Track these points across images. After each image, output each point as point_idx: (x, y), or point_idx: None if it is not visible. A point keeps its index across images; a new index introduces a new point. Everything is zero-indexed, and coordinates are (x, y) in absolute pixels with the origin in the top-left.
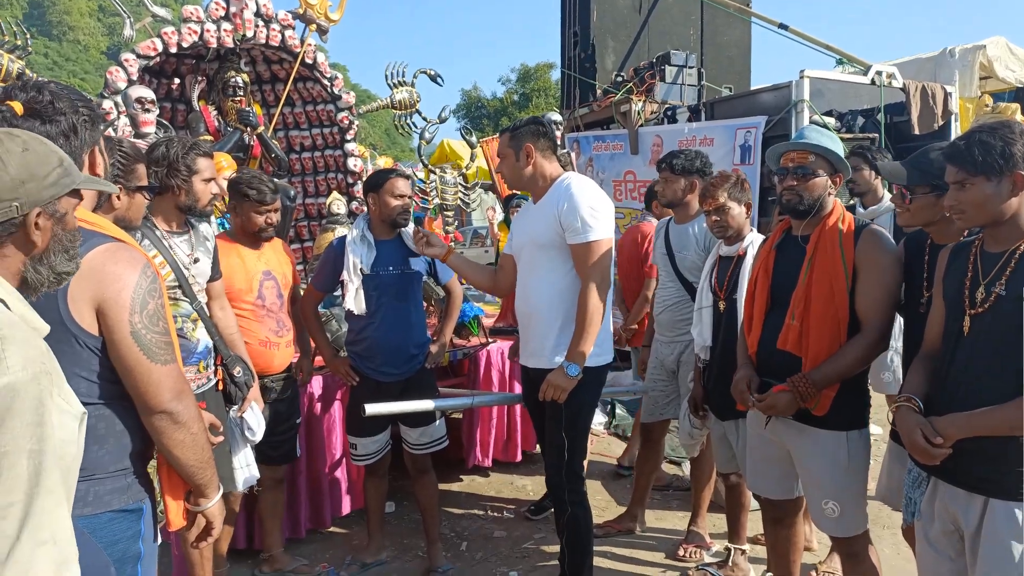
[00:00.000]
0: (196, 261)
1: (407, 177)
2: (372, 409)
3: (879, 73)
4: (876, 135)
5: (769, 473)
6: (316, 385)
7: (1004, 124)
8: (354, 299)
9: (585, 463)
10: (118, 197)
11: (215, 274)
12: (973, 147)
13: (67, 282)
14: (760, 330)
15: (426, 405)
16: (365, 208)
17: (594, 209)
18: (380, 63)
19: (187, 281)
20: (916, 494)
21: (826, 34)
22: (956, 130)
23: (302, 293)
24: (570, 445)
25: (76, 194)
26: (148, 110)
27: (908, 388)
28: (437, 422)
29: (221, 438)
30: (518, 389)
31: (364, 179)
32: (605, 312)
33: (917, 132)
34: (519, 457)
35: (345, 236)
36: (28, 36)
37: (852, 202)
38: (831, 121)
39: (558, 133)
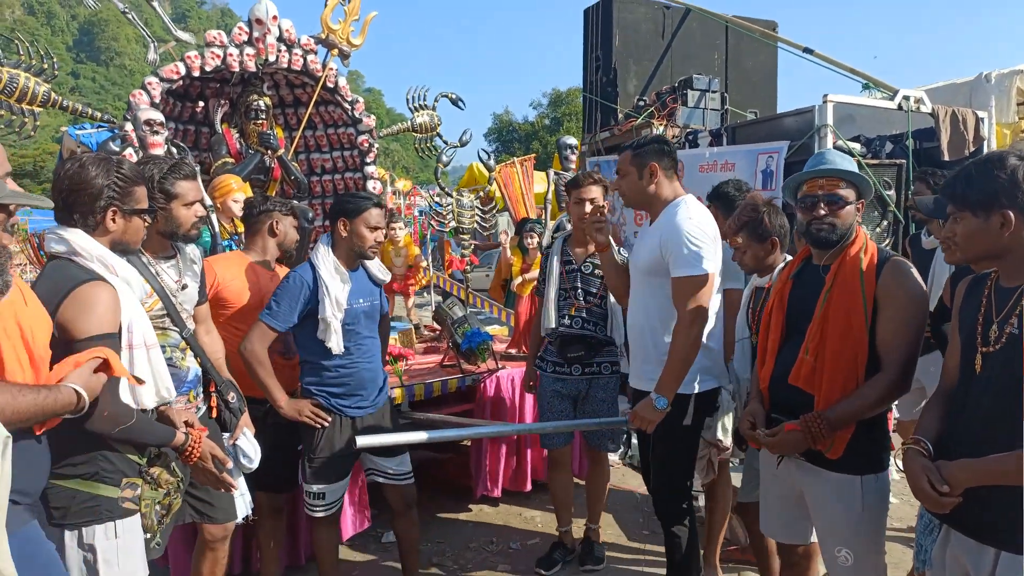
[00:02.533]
0: (184, 287)
1: (382, 206)
2: (364, 441)
3: (906, 98)
4: (904, 161)
5: (782, 515)
6: None
7: (997, 157)
8: (336, 337)
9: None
10: (113, 220)
11: (202, 298)
12: (959, 181)
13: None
14: (773, 363)
15: (419, 436)
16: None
17: (696, 242)
18: (425, 85)
19: (175, 309)
20: (927, 541)
21: (853, 59)
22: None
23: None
24: (670, 471)
25: (4, 209)
26: (157, 132)
27: (920, 429)
28: (406, 452)
29: (228, 460)
30: (528, 417)
31: (333, 201)
32: (714, 336)
33: (947, 158)
34: (529, 487)
35: (307, 266)
36: (54, 60)
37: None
38: (856, 147)
39: (573, 157)
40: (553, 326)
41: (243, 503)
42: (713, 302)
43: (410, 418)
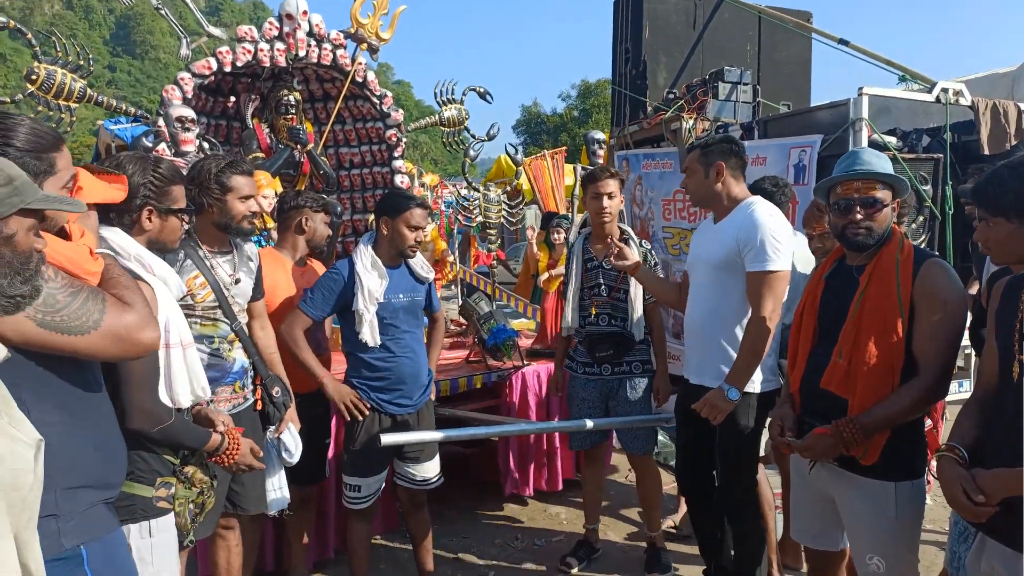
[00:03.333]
0: (238, 282)
1: (425, 207)
2: (388, 439)
3: (944, 91)
4: (941, 155)
5: (812, 521)
6: None
7: None
8: (370, 330)
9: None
10: (148, 219)
11: (257, 294)
12: (991, 185)
13: (25, 307)
14: (804, 366)
15: (443, 435)
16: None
17: (777, 239)
18: (453, 79)
19: (227, 301)
20: (961, 548)
21: (890, 50)
22: None
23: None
24: (735, 469)
25: (34, 214)
26: (188, 129)
27: (955, 435)
28: (436, 457)
29: (262, 466)
30: (555, 415)
31: (380, 198)
32: (776, 339)
33: (987, 152)
34: (560, 486)
35: (347, 261)
36: (91, 56)
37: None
38: (892, 140)
39: (600, 151)
40: (572, 324)
41: (279, 497)
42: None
43: (436, 414)
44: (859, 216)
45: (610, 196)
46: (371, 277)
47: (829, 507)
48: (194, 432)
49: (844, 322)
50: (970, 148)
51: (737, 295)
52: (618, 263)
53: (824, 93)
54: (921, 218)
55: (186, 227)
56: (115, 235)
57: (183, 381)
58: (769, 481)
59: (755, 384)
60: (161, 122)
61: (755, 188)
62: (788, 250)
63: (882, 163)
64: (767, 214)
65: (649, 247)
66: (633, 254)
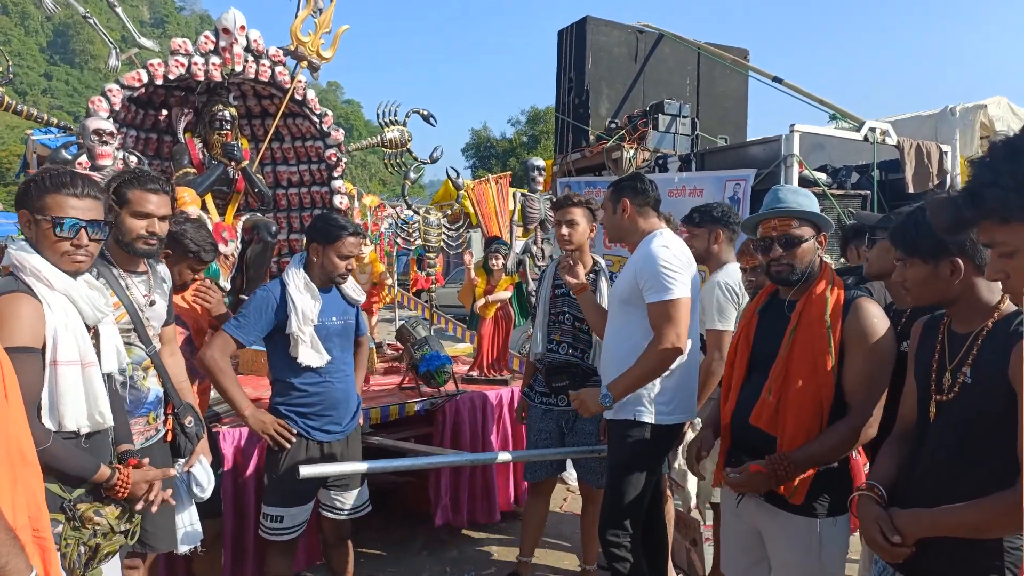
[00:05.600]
0: (152, 303)
1: (359, 234)
2: (308, 471)
3: (872, 130)
4: (869, 192)
5: (741, 556)
6: (243, 435)
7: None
8: (311, 351)
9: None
10: (28, 225)
11: (169, 318)
12: (907, 227)
13: None
14: (735, 400)
15: (367, 466)
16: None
17: (671, 268)
18: (396, 100)
19: (142, 325)
20: None
21: (821, 89)
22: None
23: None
24: (618, 497)
25: None
26: (106, 142)
27: (874, 474)
28: (364, 484)
29: (169, 492)
30: (493, 443)
31: (312, 220)
32: (688, 371)
33: (911, 190)
34: (497, 517)
35: (278, 283)
36: (10, 64)
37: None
38: (822, 176)
39: (540, 178)
40: (540, 350)
41: (191, 531)
42: (690, 336)
43: (365, 442)
44: (778, 253)
45: (571, 224)
46: (304, 298)
47: (758, 541)
48: (79, 461)
49: (775, 357)
50: (896, 186)
51: (641, 328)
52: (566, 277)
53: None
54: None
55: (65, 241)
56: (16, 248)
57: (75, 402)
58: (702, 514)
59: (649, 415)
60: (80, 134)
61: (710, 214)
62: (685, 277)
63: (800, 199)
64: (661, 245)
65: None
66: (581, 275)
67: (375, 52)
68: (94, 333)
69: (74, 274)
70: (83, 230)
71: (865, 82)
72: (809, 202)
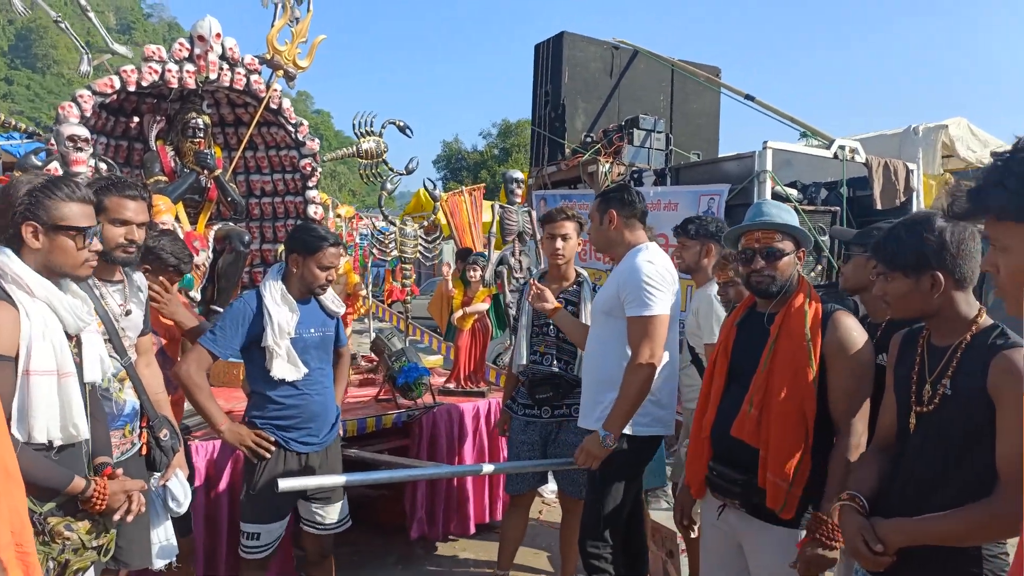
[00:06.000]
0: (128, 313)
1: (338, 244)
2: (287, 484)
3: (842, 147)
4: (838, 208)
5: (719, 568)
6: (216, 448)
7: (924, 219)
8: (287, 364)
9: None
10: (35, 237)
11: (146, 328)
12: (889, 241)
13: None
14: (715, 412)
15: (347, 479)
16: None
17: (652, 283)
18: (364, 110)
19: (117, 335)
20: None
21: (793, 107)
22: (919, 206)
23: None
24: (598, 509)
25: None
26: (80, 149)
27: (854, 484)
28: (345, 497)
29: (133, 514)
30: (468, 455)
31: (291, 231)
32: (665, 385)
33: (879, 207)
34: (472, 530)
35: (254, 294)
36: None
37: None
38: (793, 192)
39: (519, 190)
40: (524, 363)
41: (166, 545)
42: (667, 350)
43: (343, 455)
44: (760, 265)
45: (564, 238)
46: (281, 311)
47: (738, 553)
48: (49, 472)
49: (755, 370)
50: (864, 202)
51: (621, 341)
52: (537, 304)
53: (731, 145)
54: (820, 267)
55: (88, 250)
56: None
57: (47, 414)
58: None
59: (637, 427)
60: (54, 140)
61: (701, 225)
62: (666, 295)
63: (783, 214)
64: (646, 260)
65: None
66: (551, 298)
67: (346, 63)
68: (76, 342)
69: (77, 280)
70: (96, 236)
71: (833, 101)
72: (791, 217)
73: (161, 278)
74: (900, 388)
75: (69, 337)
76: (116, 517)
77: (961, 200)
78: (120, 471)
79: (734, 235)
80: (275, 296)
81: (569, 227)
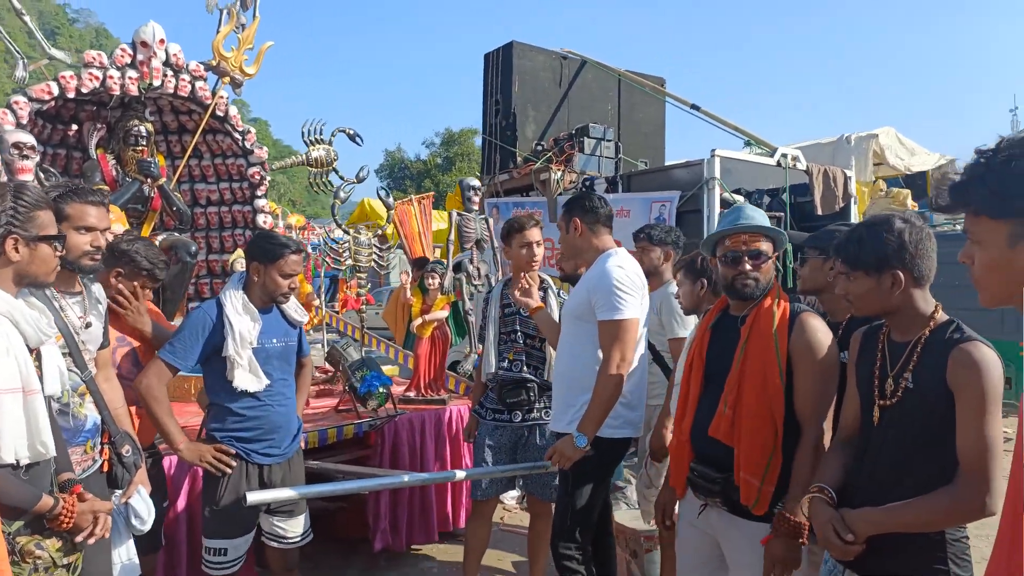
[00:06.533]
0: (89, 326)
1: (300, 251)
2: (255, 498)
3: (784, 156)
4: (782, 214)
5: (699, 566)
6: (173, 463)
7: (883, 221)
8: (248, 375)
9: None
10: (15, 249)
11: (105, 341)
12: (851, 242)
13: None
14: (694, 414)
15: (317, 490)
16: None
17: (622, 288)
18: (303, 120)
19: (78, 348)
20: None
21: (735, 115)
22: (854, 211)
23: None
24: (570, 510)
25: None
26: (27, 156)
27: (822, 476)
28: (307, 510)
29: (106, 532)
30: (431, 463)
31: (251, 239)
32: (635, 388)
33: (820, 212)
34: (436, 537)
35: (214, 303)
36: None
37: None
38: (740, 199)
39: (476, 198)
40: (493, 370)
41: (128, 564)
42: (637, 353)
43: (306, 468)
44: (748, 267)
45: (538, 244)
46: (243, 320)
47: (716, 551)
48: (18, 491)
49: (728, 371)
50: (805, 208)
51: (592, 344)
52: (522, 300)
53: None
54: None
55: (58, 256)
56: None
57: (13, 432)
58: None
59: (608, 428)
60: None
61: (668, 232)
62: (635, 299)
63: (762, 218)
64: (616, 265)
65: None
66: (536, 295)
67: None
68: (36, 355)
69: (45, 286)
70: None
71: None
72: (768, 222)
73: (135, 283)
74: (863, 383)
75: (30, 351)
76: (78, 539)
77: (944, 194)
78: (87, 494)
79: (717, 237)
80: (236, 305)
81: (539, 234)
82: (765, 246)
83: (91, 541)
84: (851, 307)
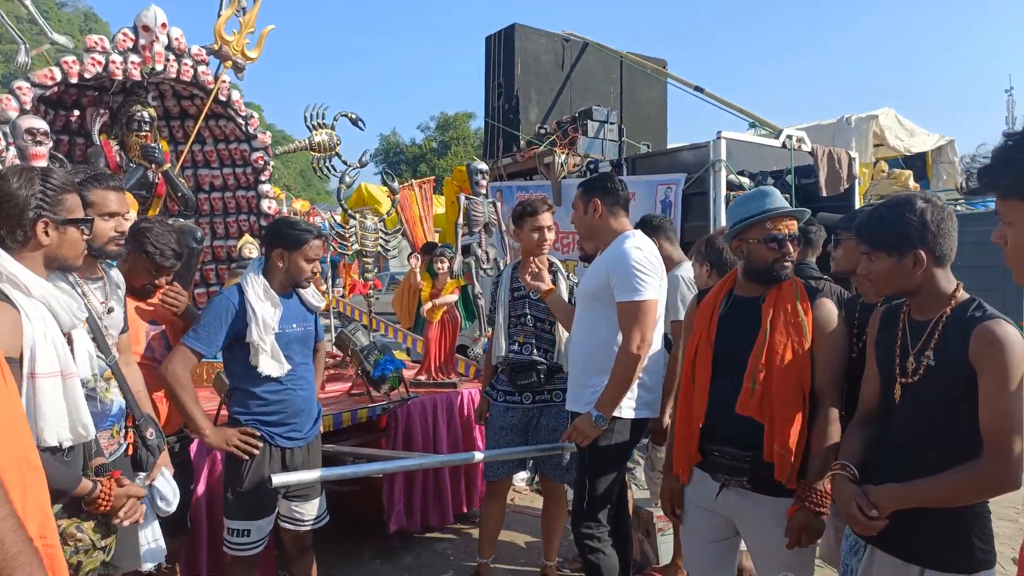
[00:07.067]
0: (111, 311)
1: (321, 237)
2: (280, 480)
3: (790, 137)
4: (787, 195)
5: (708, 546)
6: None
7: (904, 201)
8: (271, 360)
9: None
10: (45, 233)
11: (125, 326)
12: (873, 222)
13: None
14: (707, 399)
15: (340, 472)
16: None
17: (643, 269)
18: (296, 104)
19: (101, 333)
20: (853, 561)
21: (737, 97)
22: (857, 193)
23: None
24: (590, 491)
25: None
26: (40, 142)
27: (844, 454)
28: (323, 493)
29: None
30: (444, 446)
31: (271, 225)
32: (653, 370)
33: (824, 194)
34: (451, 520)
35: (235, 289)
36: None
37: None
38: (746, 181)
39: (484, 182)
40: (504, 353)
41: (154, 548)
42: (656, 335)
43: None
44: (791, 249)
45: (550, 229)
46: (264, 306)
47: (727, 532)
48: (59, 475)
49: (747, 352)
50: (809, 189)
51: (609, 325)
52: (534, 283)
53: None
54: None
55: (86, 239)
56: None
57: (55, 415)
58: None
59: (628, 410)
60: (10, 133)
61: (643, 223)
62: (655, 280)
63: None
64: (634, 246)
65: (576, 281)
66: (548, 278)
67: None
68: (68, 339)
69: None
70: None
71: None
72: None
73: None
74: (883, 362)
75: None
76: (115, 522)
77: (974, 178)
78: (118, 473)
79: (753, 221)
80: (258, 291)
81: (551, 218)
82: (798, 230)
83: (126, 523)
84: (871, 287)
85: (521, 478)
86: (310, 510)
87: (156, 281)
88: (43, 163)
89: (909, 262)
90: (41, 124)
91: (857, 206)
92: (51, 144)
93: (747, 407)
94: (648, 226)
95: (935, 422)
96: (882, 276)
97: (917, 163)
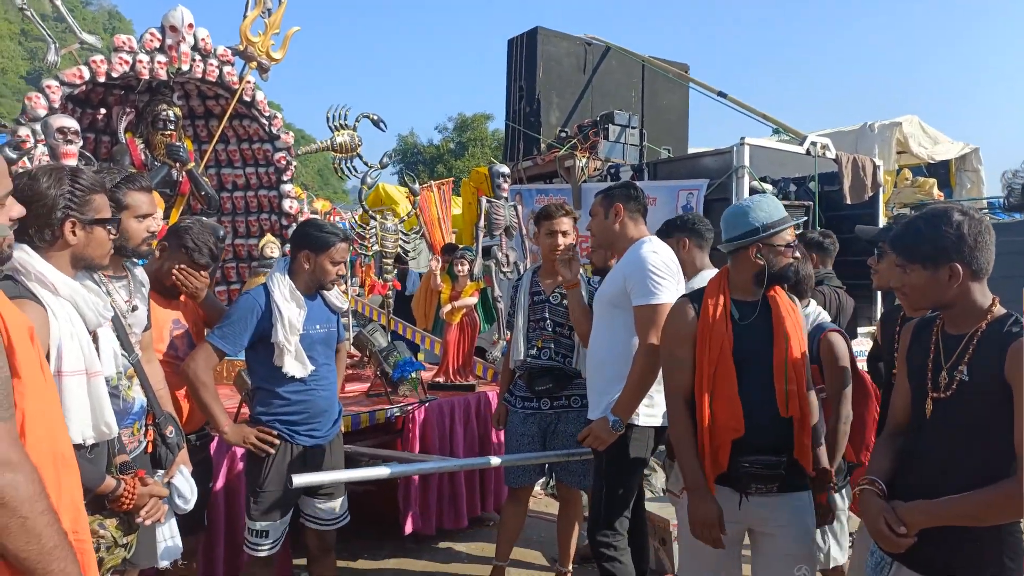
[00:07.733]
0: (135, 309)
1: (348, 239)
2: (301, 480)
3: (814, 144)
4: (810, 203)
5: (720, 561)
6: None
7: (941, 213)
8: (295, 361)
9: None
10: (72, 232)
11: (148, 324)
12: (908, 235)
13: None
14: (739, 404)
15: (361, 474)
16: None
17: (659, 272)
18: (316, 104)
19: (125, 331)
20: None
21: (761, 103)
22: (880, 201)
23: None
24: (607, 498)
25: None
26: (71, 141)
27: (872, 469)
28: (345, 492)
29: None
30: (460, 449)
31: (298, 227)
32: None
33: (849, 202)
34: (465, 523)
35: (262, 289)
36: None
37: None
38: (769, 187)
39: (506, 185)
40: (522, 358)
41: (171, 546)
42: None
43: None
44: (798, 255)
45: (564, 234)
46: (290, 307)
47: (737, 543)
48: (85, 472)
49: (761, 355)
50: (831, 197)
51: (627, 332)
52: (563, 270)
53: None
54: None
55: (113, 239)
56: (19, 253)
57: (79, 413)
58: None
59: (646, 417)
60: (23, 131)
61: (677, 225)
62: (672, 284)
63: None
64: (651, 250)
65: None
66: (578, 269)
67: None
68: (93, 337)
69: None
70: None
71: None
72: None
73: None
74: (915, 375)
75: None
76: (137, 520)
77: (1017, 193)
78: (142, 472)
79: (777, 230)
80: (284, 292)
81: (568, 223)
82: None
83: (148, 522)
84: (905, 300)
85: (537, 483)
86: (333, 509)
87: (191, 280)
88: (73, 162)
89: (944, 275)
90: (72, 123)
91: (881, 214)
92: (81, 143)
93: (793, 407)
94: (683, 228)
95: (966, 438)
96: (917, 289)
97: (940, 171)
